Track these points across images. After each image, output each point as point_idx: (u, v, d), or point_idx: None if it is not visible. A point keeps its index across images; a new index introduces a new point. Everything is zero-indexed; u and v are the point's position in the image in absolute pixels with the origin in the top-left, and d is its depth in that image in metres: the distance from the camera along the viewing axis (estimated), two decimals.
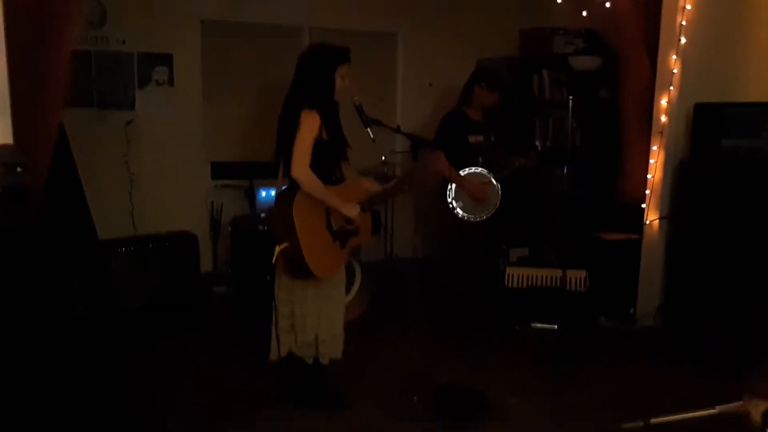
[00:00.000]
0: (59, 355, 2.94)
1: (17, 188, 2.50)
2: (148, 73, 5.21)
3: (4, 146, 2.69)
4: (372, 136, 3.22)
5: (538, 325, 4.52)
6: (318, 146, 2.99)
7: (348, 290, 4.51)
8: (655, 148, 4.53)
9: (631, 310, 4.68)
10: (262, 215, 5.06)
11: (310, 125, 2.95)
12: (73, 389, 2.98)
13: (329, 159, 3.11)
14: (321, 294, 3.15)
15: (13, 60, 2.74)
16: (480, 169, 4.45)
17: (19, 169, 2.52)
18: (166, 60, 5.25)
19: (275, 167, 3.20)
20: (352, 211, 3.11)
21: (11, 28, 2.73)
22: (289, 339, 3.17)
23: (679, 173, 4.47)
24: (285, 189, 3.10)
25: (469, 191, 4.38)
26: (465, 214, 4.39)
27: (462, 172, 4.39)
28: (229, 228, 5.06)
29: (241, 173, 5.42)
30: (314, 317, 3.14)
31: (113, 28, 5.02)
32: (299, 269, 3.00)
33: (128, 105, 5.17)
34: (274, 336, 3.17)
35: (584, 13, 5.06)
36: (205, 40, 5.40)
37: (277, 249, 2.96)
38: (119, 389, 3.39)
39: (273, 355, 3.20)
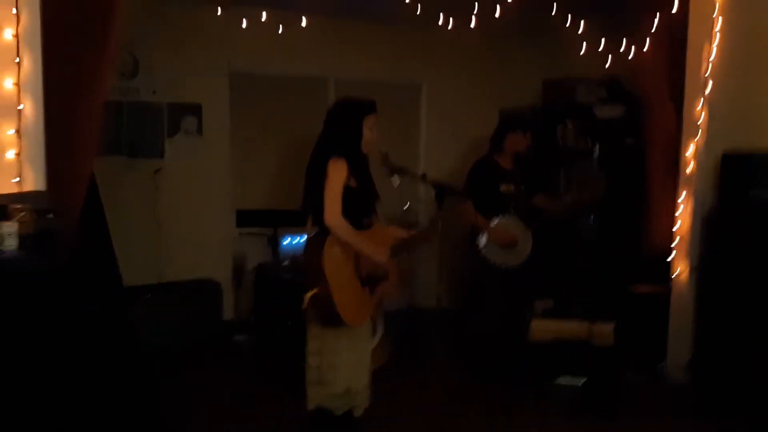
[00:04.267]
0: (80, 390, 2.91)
1: (48, 234, 2.54)
2: (177, 122, 5.34)
3: (37, 193, 2.75)
4: (397, 184, 3.24)
5: (564, 379, 4.40)
6: (346, 194, 3.01)
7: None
8: (683, 197, 4.47)
9: (661, 365, 4.54)
10: (285, 263, 5.06)
11: (338, 172, 2.98)
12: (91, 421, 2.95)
13: (358, 206, 3.10)
14: (353, 344, 3.11)
15: (49, 110, 2.82)
16: (511, 217, 4.46)
17: (50, 216, 2.57)
18: (196, 110, 5.39)
19: (302, 215, 3.20)
20: (383, 256, 3.09)
21: (48, 78, 2.82)
22: (316, 391, 3.10)
23: (707, 223, 4.39)
24: (314, 235, 3.09)
25: (495, 239, 4.38)
26: (497, 261, 4.40)
27: (495, 220, 4.40)
28: (252, 276, 5.06)
29: (265, 221, 5.47)
30: (347, 368, 3.08)
31: (145, 79, 5.18)
32: (329, 316, 2.96)
33: (157, 153, 5.28)
34: (307, 388, 3.10)
35: (606, 63, 5.08)
36: (233, 91, 5.54)
37: (307, 296, 2.94)
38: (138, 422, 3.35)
39: (309, 405, 3.13)
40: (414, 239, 3.36)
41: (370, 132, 3.09)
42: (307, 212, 3.12)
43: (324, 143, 3.07)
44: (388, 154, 3.25)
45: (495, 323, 4.53)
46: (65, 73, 2.96)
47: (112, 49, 3.12)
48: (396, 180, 3.23)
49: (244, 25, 5.01)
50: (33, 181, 2.84)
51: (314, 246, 2.96)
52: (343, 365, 3.06)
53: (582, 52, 5.24)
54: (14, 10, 2.88)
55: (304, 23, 4.69)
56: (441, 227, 3.35)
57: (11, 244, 2.54)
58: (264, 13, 4.77)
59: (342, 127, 3.06)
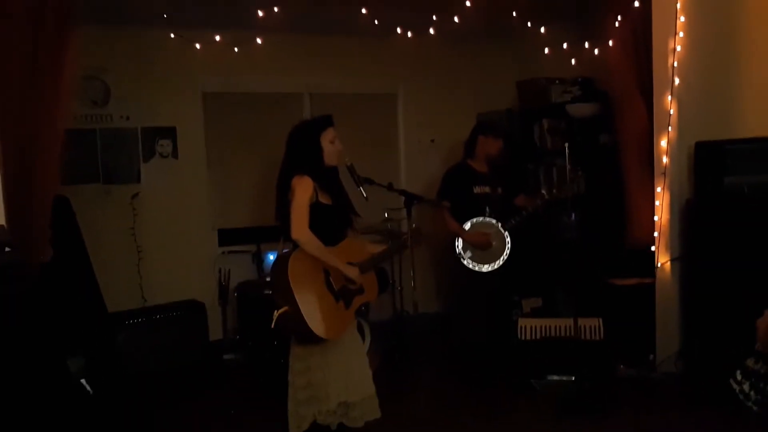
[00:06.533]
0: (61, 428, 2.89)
1: (6, 267, 2.53)
2: (152, 146, 5.34)
3: None
4: (365, 195, 3.25)
5: (555, 377, 4.38)
6: (319, 211, 3.01)
7: None
8: (659, 189, 4.48)
9: (651, 357, 4.52)
10: (268, 279, 5.06)
11: (302, 188, 3.00)
12: None
13: (332, 223, 3.11)
14: (342, 357, 3.08)
15: (5, 139, 2.80)
16: (487, 218, 4.48)
17: (7, 249, 2.55)
18: (170, 133, 5.38)
19: (281, 232, 3.20)
20: (352, 272, 3.09)
21: (2, 107, 2.80)
22: (310, 410, 3.04)
23: (685, 213, 4.40)
24: (283, 253, 3.09)
25: (470, 242, 4.41)
26: (476, 265, 4.44)
27: (468, 224, 4.43)
28: (235, 294, 5.05)
29: (248, 238, 5.47)
30: (340, 383, 3.05)
31: (117, 105, 5.18)
32: (302, 333, 2.93)
33: (134, 178, 5.28)
34: (293, 411, 3.05)
35: (573, 62, 5.13)
36: (207, 112, 5.54)
37: (276, 314, 2.92)
38: None
39: (303, 425, 3.08)
40: (385, 253, 3.34)
41: (331, 145, 3.11)
42: (281, 230, 3.12)
43: (287, 164, 3.10)
44: (353, 165, 3.26)
45: (482, 325, 4.52)
46: (19, 100, 2.93)
47: (67, 79, 3.10)
48: (363, 191, 3.24)
49: (213, 46, 5.03)
50: None
51: (280, 263, 2.96)
52: (334, 380, 3.04)
53: (553, 53, 5.29)
54: None
55: (259, 41, 4.68)
56: (420, 237, 3.35)
57: None
58: (232, 34, 4.78)
59: (301, 147, 3.08)
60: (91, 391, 3.56)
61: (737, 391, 3.04)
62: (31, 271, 2.81)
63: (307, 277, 2.95)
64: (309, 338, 2.95)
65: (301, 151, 3.08)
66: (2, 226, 2.76)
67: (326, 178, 3.13)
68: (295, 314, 2.87)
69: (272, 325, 2.95)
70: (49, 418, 2.88)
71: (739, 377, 3.05)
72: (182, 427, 4.02)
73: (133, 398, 4.34)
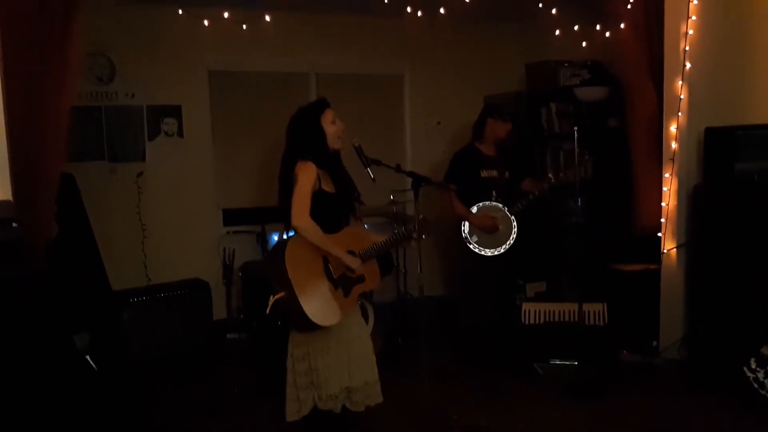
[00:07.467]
0: (67, 406, 2.91)
1: (13, 243, 2.52)
2: (157, 125, 5.31)
3: (3, 203, 2.71)
4: (372, 176, 3.21)
5: (558, 362, 4.39)
6: (321, 199, 2.98)
7: None
8: (667, 175, 4.45)
9: (654, 343, 4.53)
10: None
11: (306, 175, 2.95)
12: None
13: (334, 212, 3.08)
14: (344, 343, 3.05)
15: (12, 116, 2.78)
16: (493, 202, 4.46)
17: (14, 225, 2.54)
18: (175, 111, 5.36)
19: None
20: (354, 262, 3.06)
21: (9, 83, 2.78)
22: (310, 395, 3.04)
23: (693, 199, 4.38)
24: (281, 240, 3.06)
25: (477, 226, 4.40)
26: (481, 249, 4.43)
27: (475, 207, 4.41)
28: (239, 274, 5.05)
29: (252, 219, 5.45)
30: (341, 368, 3.04)
31: (122, 83, 5.15)
32: (298, 319, 2.91)
33: (139, 157, 5.26)
34: (292, 397, 3.05)
35: (584, 44, 5.06)
36: (213, 91, 5.51)
37: (271, 299, 2.89)
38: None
39: (290, 417, 3.07)
40: (388, 242, 3.30)
41: (332, 125, 3.07)
42: (282, 217, 3.09)
43: (290, 151, 3.06)
44: (361, 146, 3.21)
45: (487, 310, 4.52)
46: (27, 76, 2.92)
47: (73, 55, 3.08)
48: (371, 172, 3.20)
49: (220, 24, 4.98)
50: None
51: (278, 249, 2.93)
52: (335, 366, 3.02)
53: (564, 35, 5.22)
54: None
55: (267, 19, 4.63)
56: (428, 229, 3.31)
57: None
58: (240, 11, 4.73)
59: (303, 133, 3.04)
60: (95, 368, 3.58)
61: (751, 379, 2.99)
62: (36, 247, 2.81)
63: (305, 263, 2.91)
64: (305, 325, 2.92)
65: (304, 137, 3.04)
66: (9, 201, 2.75)
67: (330, 163, 3.09)
68: (292, 300, 2.83)
69: (267, 311, 2.93)
70: (54, 394, 2.88)
71: (753, 365, 3.01)
72: (186, 405, 4.05)
73: (136, 376, 4.36)
